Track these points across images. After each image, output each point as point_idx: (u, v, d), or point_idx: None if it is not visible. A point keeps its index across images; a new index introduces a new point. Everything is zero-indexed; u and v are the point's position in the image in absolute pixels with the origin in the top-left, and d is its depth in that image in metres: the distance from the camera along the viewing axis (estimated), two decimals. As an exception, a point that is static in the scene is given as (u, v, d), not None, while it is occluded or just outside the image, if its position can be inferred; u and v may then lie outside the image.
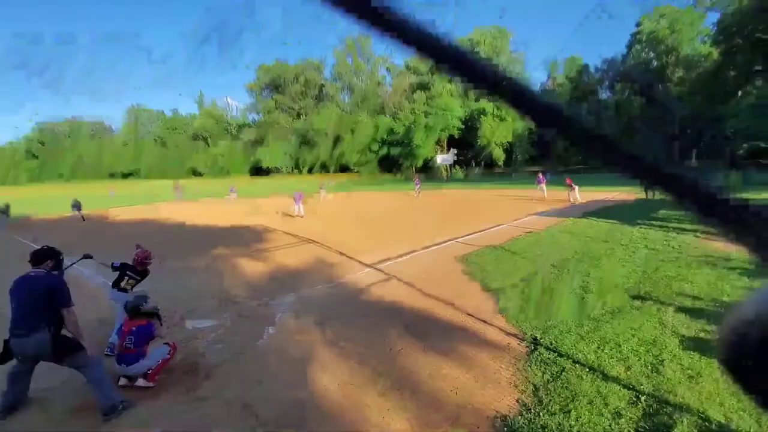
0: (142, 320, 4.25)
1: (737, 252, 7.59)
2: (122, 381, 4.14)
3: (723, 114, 39.66)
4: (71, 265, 5.34)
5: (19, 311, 3.52)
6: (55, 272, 3.90)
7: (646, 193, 16.56)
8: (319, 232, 12.56)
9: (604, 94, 60.21)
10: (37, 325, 3.47)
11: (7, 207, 16.02)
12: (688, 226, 10.14)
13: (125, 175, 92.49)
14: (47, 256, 3.85)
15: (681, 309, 5.27)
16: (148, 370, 4.11)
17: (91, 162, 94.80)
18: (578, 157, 54.27)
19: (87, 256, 5.30)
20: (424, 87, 66.82)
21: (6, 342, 3.53)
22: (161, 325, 4.45)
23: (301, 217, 16.01)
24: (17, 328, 3.48)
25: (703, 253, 7.67)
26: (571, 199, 18.34)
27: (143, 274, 5.35)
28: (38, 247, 4.00)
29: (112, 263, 5.31)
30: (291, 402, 3.73)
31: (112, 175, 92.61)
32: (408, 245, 10.01)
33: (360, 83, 77.19)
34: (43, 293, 3.53)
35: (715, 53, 43.50)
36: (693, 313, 5.13)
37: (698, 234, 9.24)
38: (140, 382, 4.10)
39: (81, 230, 16.02)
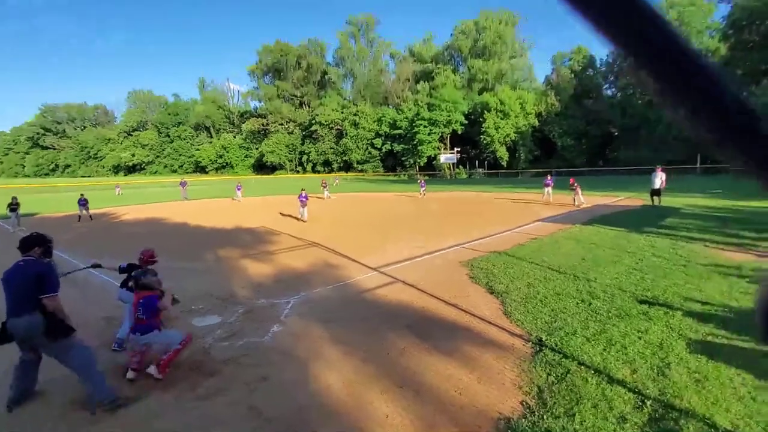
0: (146, 292, 4.40)
1: (748, 261, 7.53)
2: (130, 374, 4.19)
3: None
4: (81, 269, 5.40)
5: (12, 297, 3.68)
6: (45, 259, 3.93)
7: (653, 200, 16.42)
8: (324, 235, 12.54)
9: (609, 91, 59.53)
10: (28, 308, 3.62)
11: (17, 204, 16.01)
12: (697, 235, 10.04)
13: (130, 169, 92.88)
14: (35, 243, 3.90)
15: (689, 313, 5.23)
16: (165, 350, 4.23)
17: (95, 153, 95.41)
18: (583, 158, 53.92)
19: (96, 266, 5.37)
20: (427, 77, 66.52)
21: (4, 324, 3.70)
22: (162, 296, 4.54)
23: (304, 221, 15.83)
24: (10, 311, 3.66)
25: (712, 262, 7.59)
26: (576, 202, 18.16)
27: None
28: (27, 235, 4.07)
29: (119, 266, 5.36)
30: (296, 400, 3.75)
31: (116, 167, 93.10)
32: (412, 250, 9.99)
33: (363, 69, 76.42)
34: (33, 279, 3.64)
35: (723, 49, 42.94)
36: (702, 317, 5.10)
37: (707, 243, 9.15)
38: (151, 369, 4.18)
39: (89, 229, 16.07)
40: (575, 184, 18.24)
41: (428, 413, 3.50)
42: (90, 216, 18.36)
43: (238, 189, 27.62)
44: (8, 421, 3.60)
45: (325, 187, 27.48)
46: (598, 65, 58.65)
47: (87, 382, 3.72)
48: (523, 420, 3.32)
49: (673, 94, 0.33)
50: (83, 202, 18.07)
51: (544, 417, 3.33)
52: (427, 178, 44.92)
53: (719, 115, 0.32)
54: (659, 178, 15.94)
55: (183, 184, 30.23)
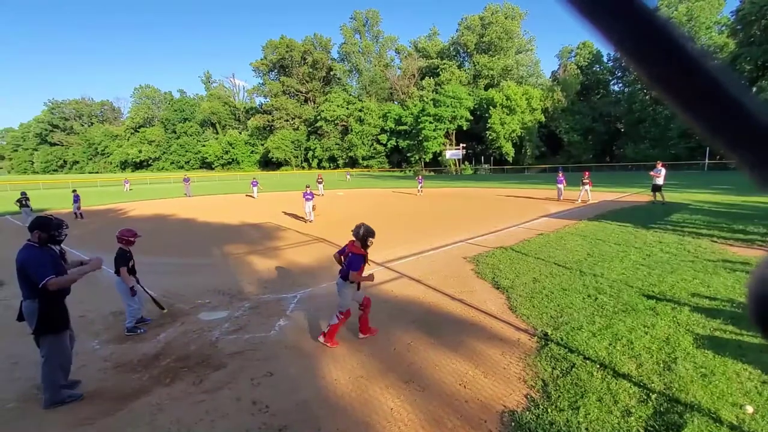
0: (356, 250, 5.26)
1: (756, 257, 7.45)
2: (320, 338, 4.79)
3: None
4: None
5: (18, 280, 3.70)
6: (49, 246, 3.76)
7: (654, 196, 16.27)
8: (329, 231, 12.57)
9: (615, 87, 58.98)
10: (27, 294, 3.65)
11: (27, 199, 16.13)
12: (704, 231, 9.96)
13: (137, 165, 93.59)
14: (37, 227, 3.72)
15: (697, 309, 5.20)
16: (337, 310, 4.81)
17: (103, 150, 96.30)
18: (590, 154, 53.51)
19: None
20: (433, 73, 66.26)
21: (21, 302, 3.75)
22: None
23: (310, 221, 15.09)
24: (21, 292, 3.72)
25: (720, 258, 7.53)
26: (581, 198, 17.97)
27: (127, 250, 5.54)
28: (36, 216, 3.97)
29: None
30: (301, 394, 3.78)
31: (124, 164, 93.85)
32: (417, 246, 9.99)
33: (368, 65, 76.25)
34: (20, 267, 3.62)
35: (732, 44, 42.44)
36: (709, 312, 5.07)
37: (715, 239, 9.08)
38: (320, 338, 4.81)
39: (98, 225, 16.20)
40: (588, 179, 17.92)
41: (433, 407, 3.52)
42: (79, 214, 17.55)
43: (254, 185, 26.69)
44: (21, 411, 3.66)
45: (320, 182, 27.19)
46: (605, 60, 58.13)
47: (45, 387, 3.72)
48: (528, 413, 3.33)
49: (670, 92, 0.33)
50: (77, 198, 17.64)
51: (549, 410, 3.34)
52: (430, 173, 44.75)
53: (718, 112, 0.32)
54: (660, 174, 15.78)
55: (186, 180, 30.14)
